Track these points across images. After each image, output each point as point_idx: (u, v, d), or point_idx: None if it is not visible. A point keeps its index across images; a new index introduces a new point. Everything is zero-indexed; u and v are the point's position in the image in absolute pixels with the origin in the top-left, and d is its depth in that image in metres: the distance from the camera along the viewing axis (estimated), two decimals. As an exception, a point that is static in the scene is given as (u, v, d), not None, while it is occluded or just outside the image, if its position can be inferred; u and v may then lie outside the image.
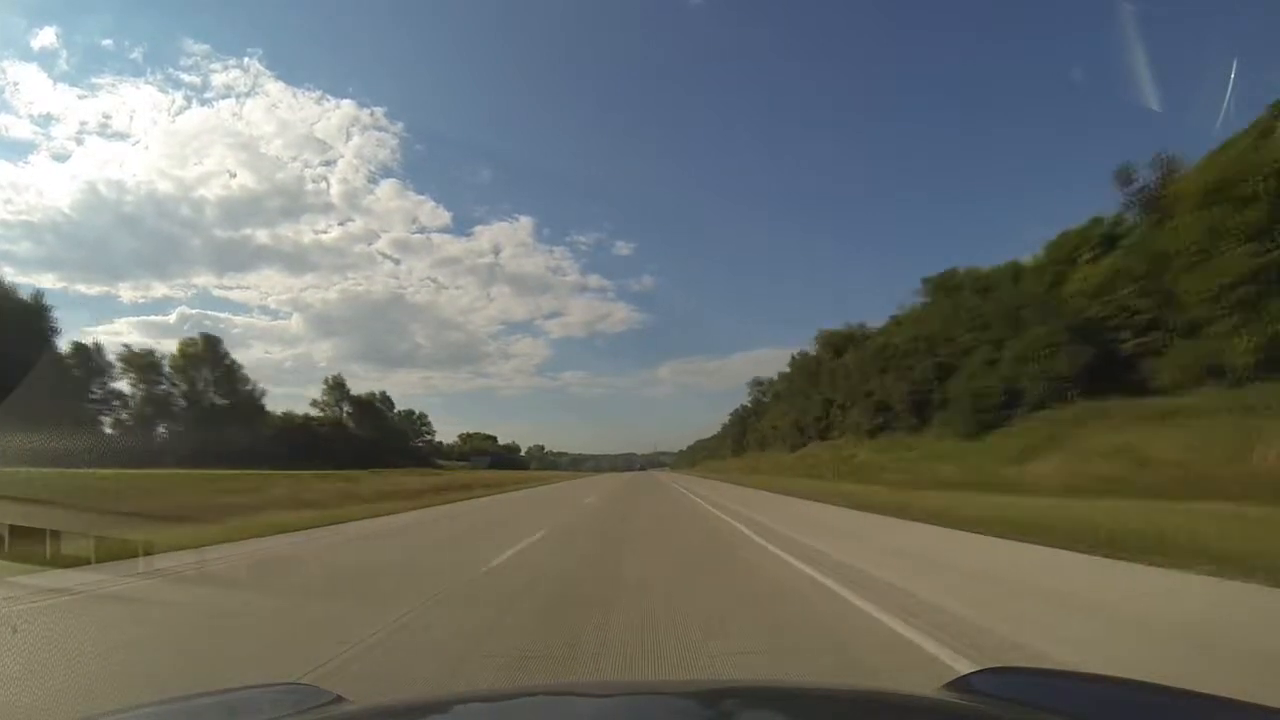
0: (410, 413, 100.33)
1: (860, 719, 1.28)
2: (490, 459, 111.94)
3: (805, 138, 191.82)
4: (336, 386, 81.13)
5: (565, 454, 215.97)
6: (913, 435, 32.29)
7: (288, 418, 66.17)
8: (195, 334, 64.35)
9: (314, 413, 74.27)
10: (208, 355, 58.40)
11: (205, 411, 54.44)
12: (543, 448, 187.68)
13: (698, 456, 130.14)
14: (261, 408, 62.00)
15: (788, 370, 65.55)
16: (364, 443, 70.00)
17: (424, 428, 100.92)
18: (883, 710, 1.31)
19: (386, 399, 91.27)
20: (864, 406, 38.66)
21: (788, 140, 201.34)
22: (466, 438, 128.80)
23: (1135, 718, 1.15)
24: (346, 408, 79.08)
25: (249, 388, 61.56)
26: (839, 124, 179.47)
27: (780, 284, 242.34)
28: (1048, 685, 1.44)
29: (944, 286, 37.35)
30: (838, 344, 50.34)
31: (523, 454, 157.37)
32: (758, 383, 79.14)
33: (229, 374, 59.71)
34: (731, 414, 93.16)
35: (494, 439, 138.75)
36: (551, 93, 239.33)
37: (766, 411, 71.95)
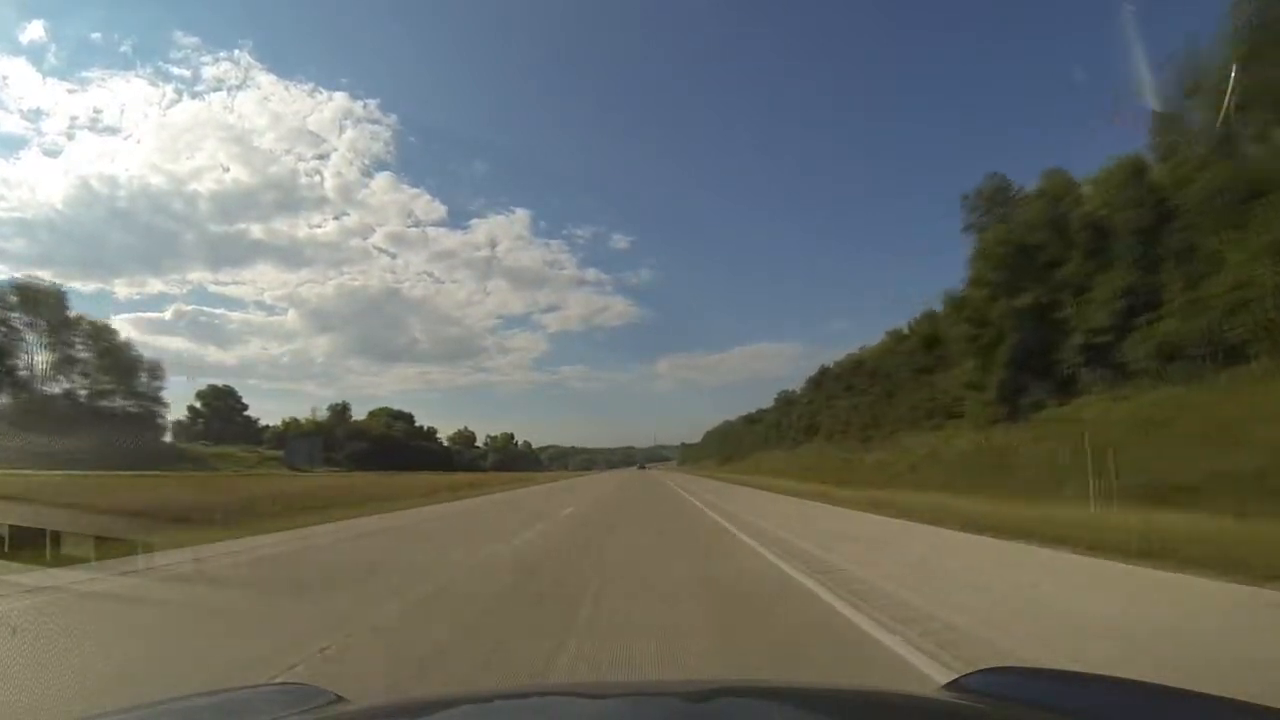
0: (137, 357, 48.89)
1: (860, 719, 1.28)
2: (347, 456, 63.65)
3: (804, 134, 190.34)
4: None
5: (552, 446, 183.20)
6: None
7: None
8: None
9: None
10: None
11: None
12: (511, 436, 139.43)
13: (736, 447, 76.43)
14: None
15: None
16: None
17: (156, 384, 49.74)
18: (882, 710, 1.31)
19: (106, 333, 46.82)
20: None
21: (787, 137, 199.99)
22: (374, 415, 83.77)
23: (1135, 718, 1.15)
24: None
25: None
26: (839, 123, 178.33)
27: (779, 281, 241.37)
28: (1047, 685, 1.46)
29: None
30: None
31: (479, 445, 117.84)
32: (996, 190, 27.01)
33: None
34: (895, 327, 36.82)
35: (409, 418, 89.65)
36: (548, 85, 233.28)
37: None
